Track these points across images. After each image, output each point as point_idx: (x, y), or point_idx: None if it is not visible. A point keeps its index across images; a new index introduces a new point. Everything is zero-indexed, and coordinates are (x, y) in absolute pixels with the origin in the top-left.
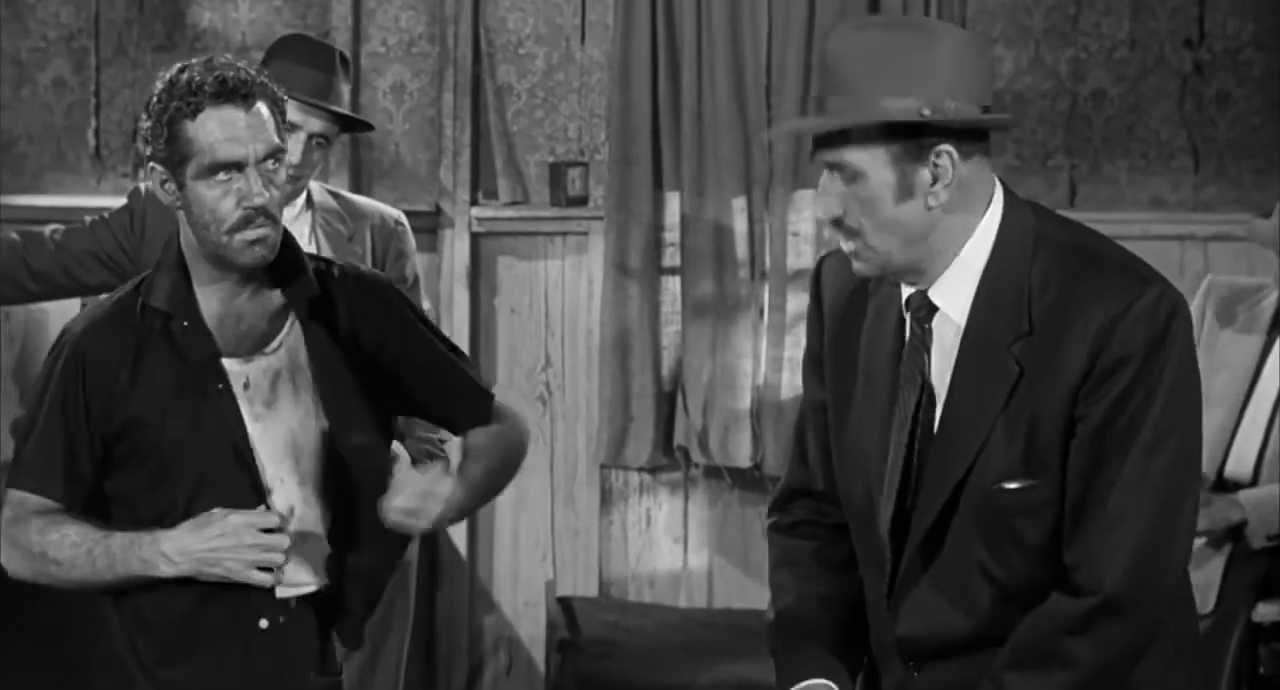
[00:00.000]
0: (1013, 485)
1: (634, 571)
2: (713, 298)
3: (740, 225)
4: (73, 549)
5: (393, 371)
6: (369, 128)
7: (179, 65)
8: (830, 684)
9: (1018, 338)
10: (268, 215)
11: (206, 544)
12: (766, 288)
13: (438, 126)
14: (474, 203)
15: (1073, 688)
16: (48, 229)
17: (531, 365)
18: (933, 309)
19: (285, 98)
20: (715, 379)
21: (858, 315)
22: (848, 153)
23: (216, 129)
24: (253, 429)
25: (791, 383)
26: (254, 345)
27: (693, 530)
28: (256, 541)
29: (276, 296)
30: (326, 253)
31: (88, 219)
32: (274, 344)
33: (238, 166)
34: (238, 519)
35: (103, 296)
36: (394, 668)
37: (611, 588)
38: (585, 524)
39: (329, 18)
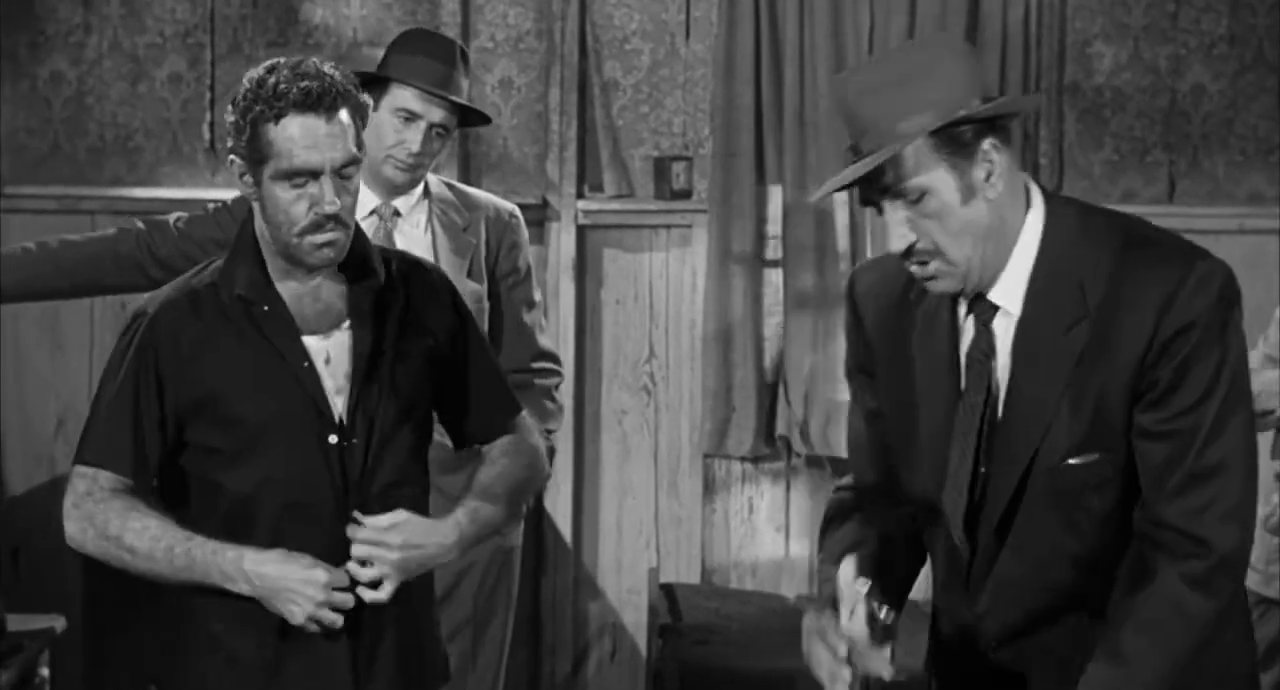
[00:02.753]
0: (1080, 460)
1: (736, 559)
2: (814, 290)
3: (841, 218)
4: (152, 542)
5: (434, 364)
6: (487, 120)
7: (267, 65)
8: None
9: (1075, 322)
10: (339, 221)
11: (283, 582)
12: None
13: (544, 121)
14: (580, 196)
15: (1196, 642)
16: (171, 217)
17: (636, 356)
18: (994, 309)
19: (369, 103)
20: (816, 370)
21: (904, 326)
22: (908, 180)
23: (296, 136)
24: (335, 402)
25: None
26: (332, 322)
27: (794, 518)
28: (326, 599)
29: (344, 281)
30: (442, 242)
31: (210, 206)
32: (348, 321)
33: (313, 173)
34: (321, 575)
35: (174, 281)
36: (496, 653)
37: (713, 575)
38: (688, 512)
39: (439, 13)
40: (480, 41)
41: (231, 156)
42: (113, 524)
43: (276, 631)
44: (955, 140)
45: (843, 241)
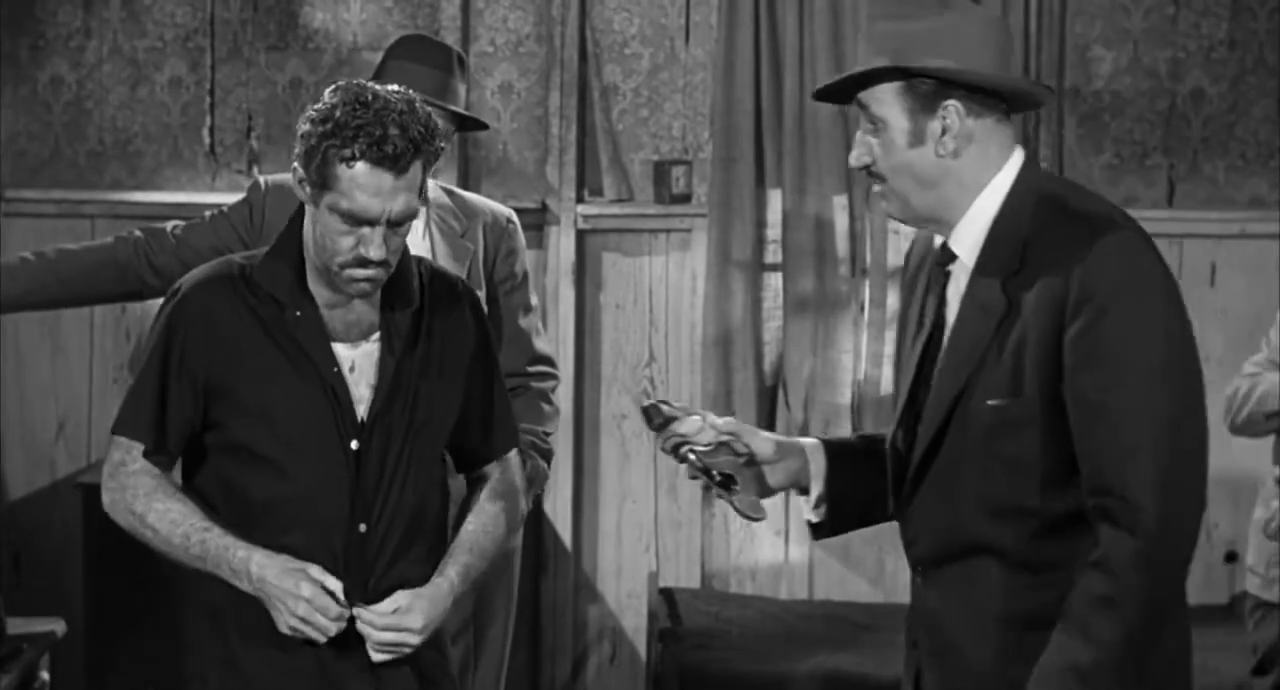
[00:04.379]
0: (996, 402)
1: (735, 563)
2: (814, 294)
3: (841, 222)
4: (171, 526)
5: (460, 385)
6: (484, 126)
7: (353, 95)
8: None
9: (1010, 275)
10: (381, 262)
11: (277, 590)
12: (867, 284)
13: (544, 125)
14: (580, 200)
15: (1130, 618)
16: (168, 225)
17: (635, 360)
18: (953, 256)
19: (443, 147)
20: (816, 374)
21: (916, 276)
22: (872, 104)
23: (362, 183)
24: (357, 409)
25: (891, 378)
26: (362, 332)
27: (793, 523)
28: (308, 616)
29: (379, 296)
30: (440, 248)
31: (207, 213)
32: (378, 334)
33: (369, 221)
34: (307, 590)
35: (216, 260)
36: (497, 657)
37: (713, 579)
38: (687, 516)
39: (439, 18)
40: (480, 45)
41: (295, 164)
42: (139, 502)
43: (286, 643)
44: (915, 90)
45: (842, 246)
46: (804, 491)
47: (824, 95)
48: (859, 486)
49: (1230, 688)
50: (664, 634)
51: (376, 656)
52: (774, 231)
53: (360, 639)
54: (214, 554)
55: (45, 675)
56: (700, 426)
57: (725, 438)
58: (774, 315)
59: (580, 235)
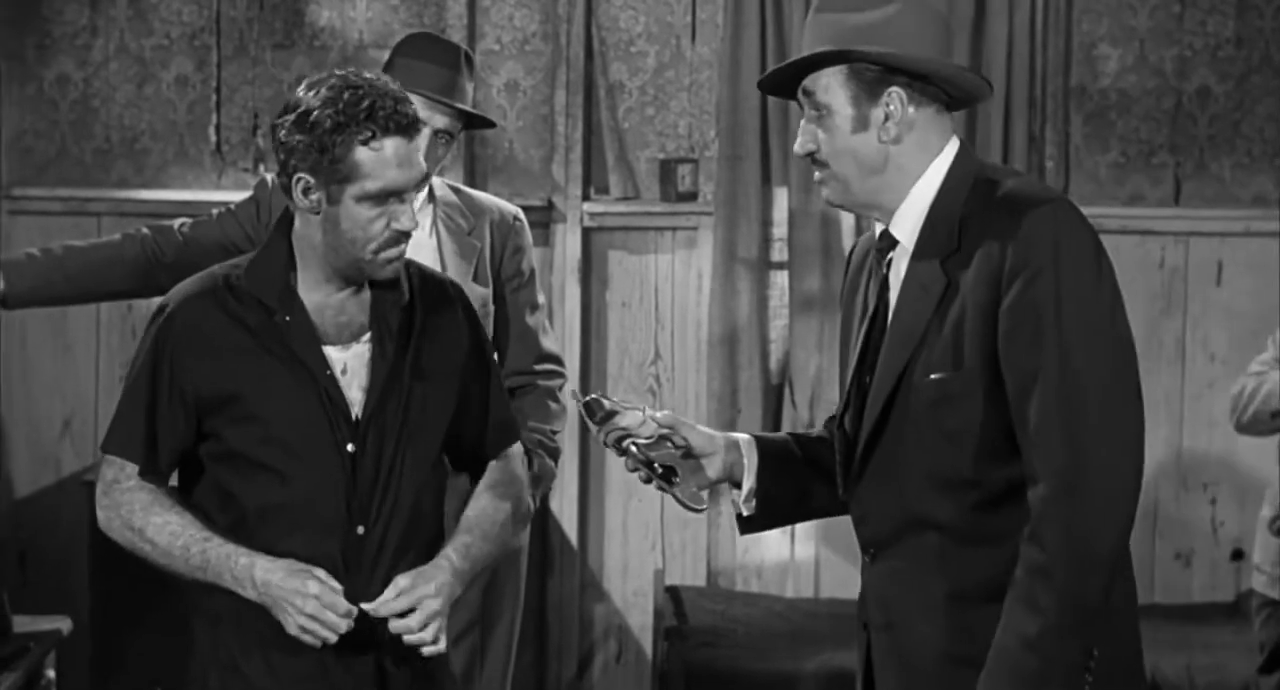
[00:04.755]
0: (937, 377)
1: (741, 561)
2: (820, 292)
3: (847, 220)
4: (170, 538)
5: (455, 383)
6: (491, 124)
7: (341, 83)
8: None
9: (948, 254)
10: (409, 233)
11: (283, 592)
12: None
13: (550, 123)
14: (586, 198)
15: (1067, 586)
16: (176, 222)
17: (641, 358)
18: (894, 242)
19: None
20: (822, 372)
21: (859, 271)
22: (817, 91)
23: (390, 158)
24: (352, 411)
25: None
26: (352, 334)
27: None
28: (317, 613)
29: (368, 295)
30: (447, 245)
31: (215, 211)
32: (368, 335)
33: (399, 194)
34: (315, 588)
35: (199, 273)
36: (504, 654)
37: (719, 577)
38: (693, 514)
39: (445, 16)
40: (486, 43)
41: (299, 174)
42: (136, 516)
43: (288, 647)
44: (860, 76)
45: (848, 244)
46: (737, 485)
47: (769, 87)
48: (789, 482)
49: (1236, 685)
50: (670, 632)
51: (428, 648)
52: (780, 230)
53: (364, 641)
54: (215, 563)
55: (51, 673)
56: (641, 420)
57: (665, 431)
58: (780, 313)
59: (586, 233)
